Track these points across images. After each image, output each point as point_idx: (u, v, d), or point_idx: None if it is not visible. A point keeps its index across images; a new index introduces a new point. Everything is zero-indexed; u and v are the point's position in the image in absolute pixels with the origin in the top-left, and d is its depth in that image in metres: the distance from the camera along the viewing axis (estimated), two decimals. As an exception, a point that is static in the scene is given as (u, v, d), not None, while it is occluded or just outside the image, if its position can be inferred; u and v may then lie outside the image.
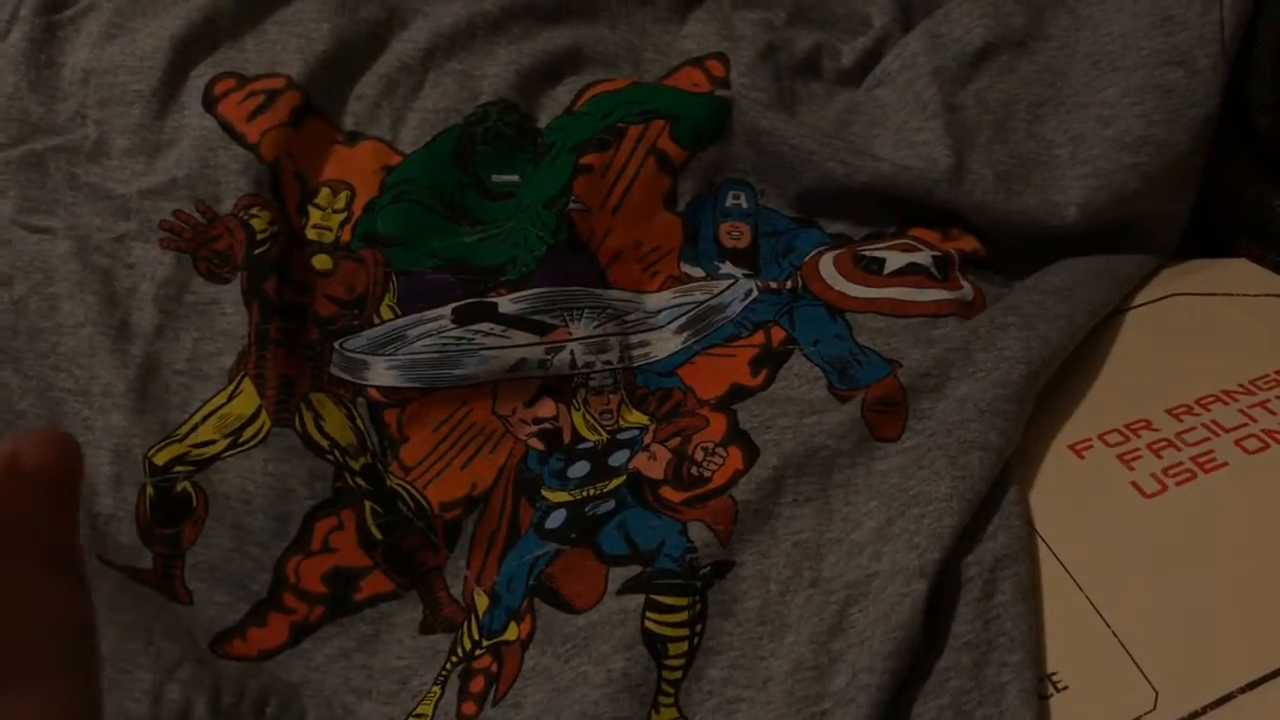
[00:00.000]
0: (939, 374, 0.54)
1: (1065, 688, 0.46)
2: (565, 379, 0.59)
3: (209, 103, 0.63)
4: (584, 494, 0.55)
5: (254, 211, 0.61)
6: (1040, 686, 0.46)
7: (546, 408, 0.59)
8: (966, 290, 0.61)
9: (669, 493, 0.54)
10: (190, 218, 0.61)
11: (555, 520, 0.55)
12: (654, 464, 0.55)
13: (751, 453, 0.54)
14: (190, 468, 0.56)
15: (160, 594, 0.53)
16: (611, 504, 0.54)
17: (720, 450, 0.55)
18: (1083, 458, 0.52)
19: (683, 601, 0.49)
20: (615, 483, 0.55)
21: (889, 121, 0.67)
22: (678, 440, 0.56)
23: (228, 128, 0.63)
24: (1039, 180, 0.65)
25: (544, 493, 0.57)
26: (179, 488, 0.55)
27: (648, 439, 0.57)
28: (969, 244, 0.63)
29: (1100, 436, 0.53)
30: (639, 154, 0.64)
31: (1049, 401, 0.55)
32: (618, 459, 0.56)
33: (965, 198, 0.63)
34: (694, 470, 0.54)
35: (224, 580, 0.55)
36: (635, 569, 0.51)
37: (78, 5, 0.66)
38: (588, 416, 0.59)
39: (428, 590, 0.56)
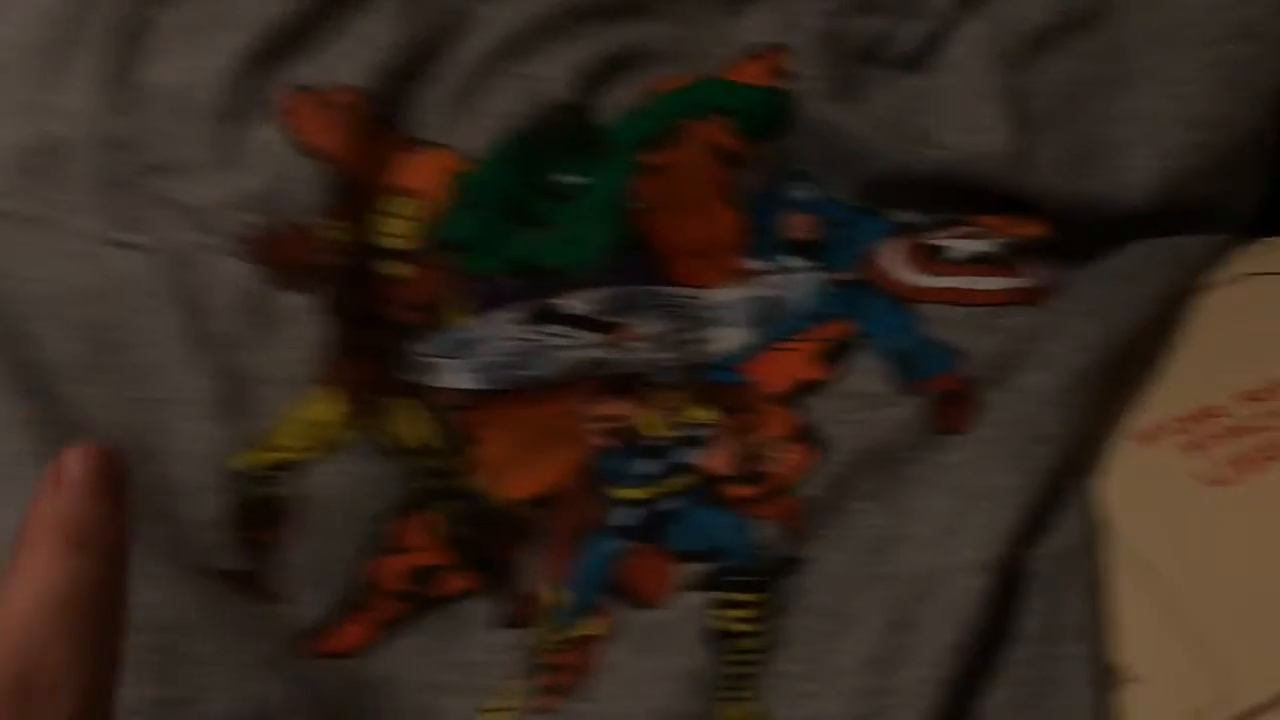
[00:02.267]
0: (1006, 365, 0.54)
1: (1137, 678, 0.46)
2: (633, 377, 0.60)
3: (280, 116, 0.65)
4: (654, 491, 0.57)
5: (327, 222, 0.63)
6: (1110, 677, 0.46)
7: (615, 405, 0.60)
8: (1034, 278, 0.60)
9: (738, 489, 0.55)
10: (267, 229, 0.63)
11: (626, 518, 0.56)
12: (721, 460, 0.56)
13: (819, 447, 0.55)
14: (274, 473, 0.58)
15: (249, 596, 0.56)
16: (681, 501, 0.55)
17: (786, 445, 0.56)
18: (1152, 446, 0.52)
19: (753, 598, 0.50)
20: (684, 480, 0.56)
21: (951, 107, 0.66)
22: (745, 436, 0.57)
23: (299, 141, 0.64)
24: (1107, 163, 0.64)
25: (615, 490, 0.58)
26: (263, 493, 0.58)
27: (715, 435, 0.58)
28: (1036, 229, 0.63)
29: (1170, 423, 0.53)
30: (698, 149, 0.65)
31: (1117, 388, 0.55)
32: (686, 456, 0.57)
33: (1030, 182, 0.62)
34: (762, 466, 0.55)
35: (308, 581, 0.57)
36: (706, 566, 0.52)
37: (153, 24, 0.68)
38: (656, 413, 0.60)
39: (504, 587, 0.58)
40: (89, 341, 0.60)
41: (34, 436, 0.55)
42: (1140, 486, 0.51)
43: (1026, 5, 0.67)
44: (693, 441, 0.58)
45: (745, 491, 0.54)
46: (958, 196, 0.64)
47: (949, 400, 0.54)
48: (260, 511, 0.57)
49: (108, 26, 0.67)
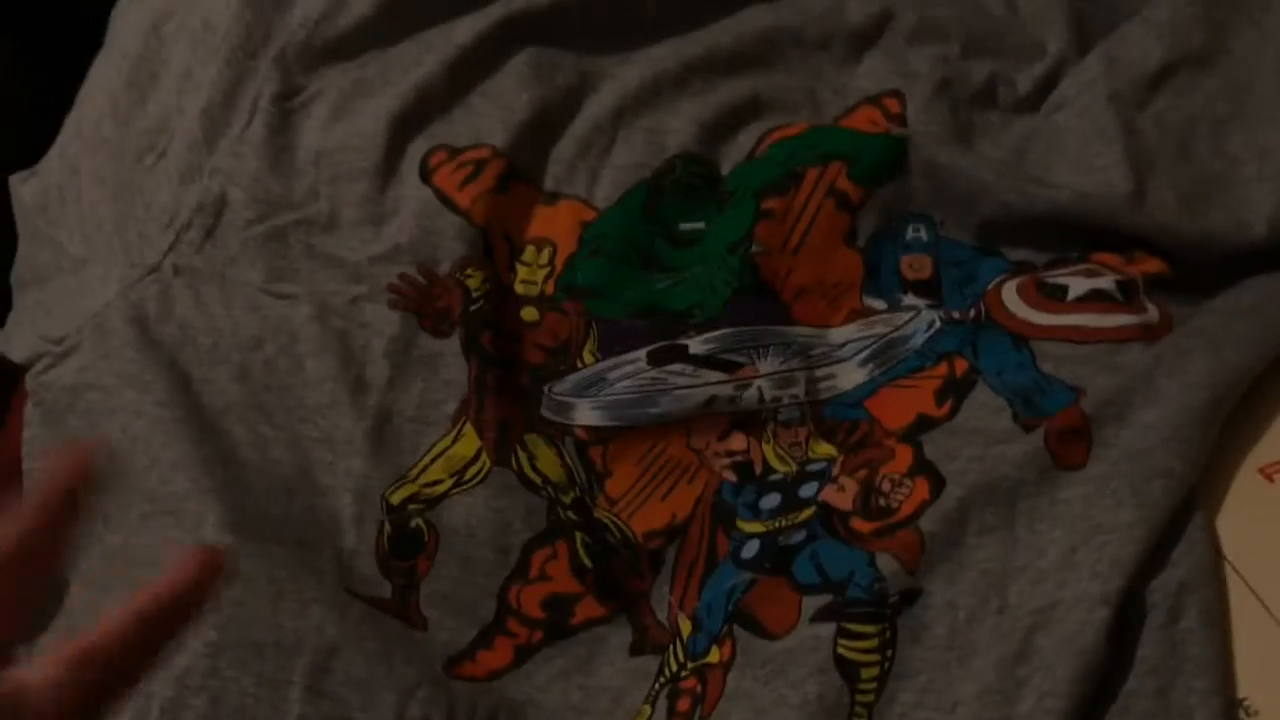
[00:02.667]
0: (1123, 401, 0.55)
1: (1256, 713, 0.47)
2: (755, 413, 0.63)
3: (425, 174, 0.70)
4: (776, 524, 0.59)
5: (469, 272, 0.67)
6: (1230, 711, 0.47)
7: (738, 441, 0.63)
8: (1152, 314, 0.61)
9: (858, 523, 0.57)
10: (414, 279, 0.67)
11: (750, 550, 0.58)
12: (843, 495, 0.58)
13: (938, 483, 0.57)
14: (422, 505, 0.62)
15: (400, 621, 0.59)
16: (803, 534, 0.58)
17: (906, 481, 0.57)
18: (1273, 481, 0.53)
19: (873, 629, 0.52)
20: (806, 514, 0.58)
21: (1067, 148, 0.67)
22: (865, 472, 0.59)
23: (442, 197, 0.69)
24: (1224, 199, 0.64)
25: (739, 523, 0.60)
26: (413, 524, 0.61)
27: (835, 470, 0.60)
28: (1153, 266, 0.64)
29: (1293, 460, 0.53)
30: (818, 195, 0.67)
31: (1237, 423, 0.55)
32: (807, 490, 0.60)
33: (1147, 221, 0.63)
34: (881, 501, 0.57)
35: (454, 607, 0.60)
36: (827, 598, 0.54)
37: (306, 92, 0.73)
38: (778, 449, 0.62)
39: (635, 614, 0.60)
40: (252, 384, 0.65)
41: (201, 474, 0.60)
42: (1260, 521, 0.51)
43: (1140, 45, 0.69)
44: (814, 476, 0.60)
45: (866, 526, 0.56)
46: (1075, 235, 0.65)
47: (1067, 437, 0.55)
48: (410, 542, 0.61)
49: (264, 94, 0.73)
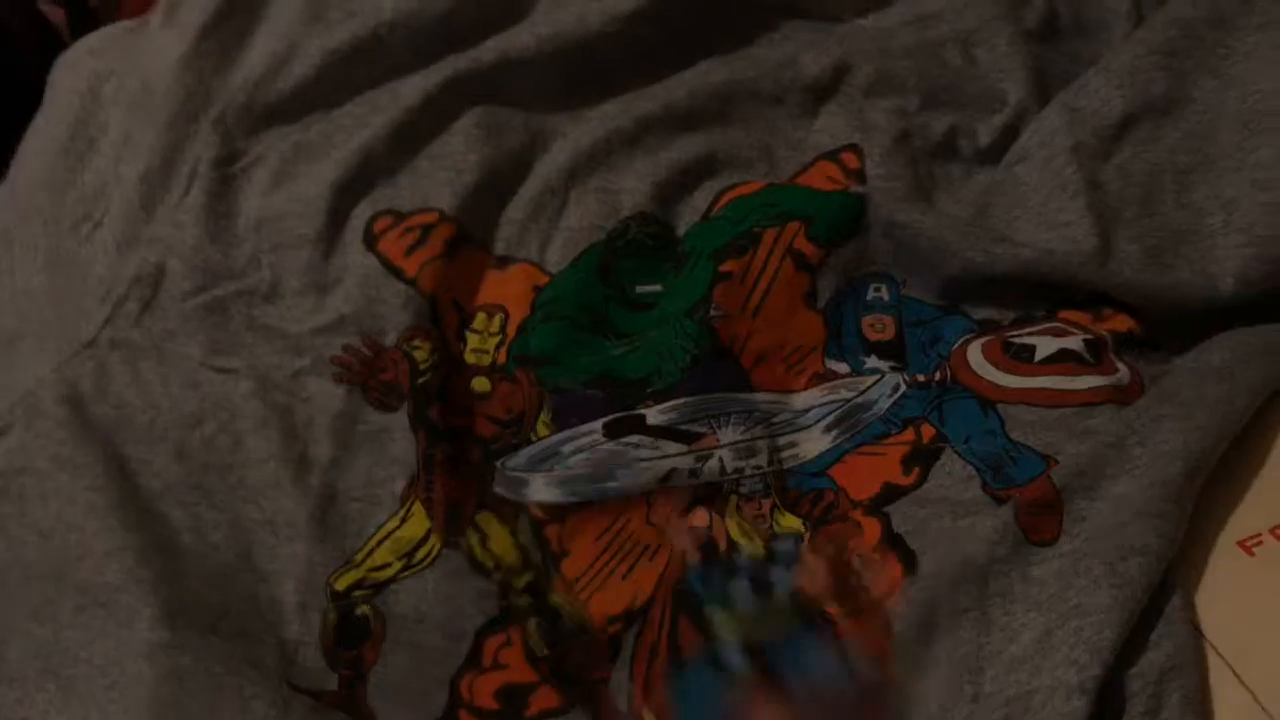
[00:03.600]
0: (1094, 472, 0.53)
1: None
2: (717, 486, 0.60)
3: (369, 240, 0.67)
4: (755, 625, 0.56)
5: (416, 344, 0.64)
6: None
7: (699, 517, 0.60)
8: (1123, 374, 0.59)
9: (832, 609, 0.55)
10: (358, 352, 0.65)
11: (730, 658, 0.56)
12: (814, 579, 0.56)
13: (908, 558, 0.54)
14: (368, 591, 0.59)
15: (347, 716, 0.56)
16: (783, 632, 0.55)
17: (876, 558, 0.55)
18: (1253, 554, 0.51)
19: None
20: (783, 614, 0.56)
21: (1029, 202, 0.66)
22: (833, 549, 0.56)
23: (388, 264, 0.66)
24: (1190, 252, 0.63)
25: (709, 616, 0.57)
26: (358, 611, 0.59)
27: (803, 549, 0.57)
28: (1122, 323, 0.62)
29: (1272, 531, 0.51)
30: (776, 255, 0.65)
31: (1212, 493, 0.53)
32: (778, 578, 0.57)
33: (1113, 277, 0.62)
34: (854, 580, 0.55)
35: (404, 699, 0.57)
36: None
37: (247, 157, 0.71)
38: (741, 523, 0.60)
39: (593, 704, 0.58)
40: (190, 464, 0.62)
41: (136, 563, 0.57)
42: (1241, 598, 0.49)
43: (1101, 97, 0.67)
44: (781, 559, 0.58)
45: (838, 609, 0.54)
46: (1041, 292, 0.64)
47: (1037, 510, 0.53)
48: (356, 630, 0.58)
49: (203, 159, 0.70)
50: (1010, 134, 0.71)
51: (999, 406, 0.59)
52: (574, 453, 0.62)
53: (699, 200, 0.70)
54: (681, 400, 0.62)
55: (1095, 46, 0.74)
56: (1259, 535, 0.51)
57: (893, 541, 0.56)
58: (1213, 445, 0.53)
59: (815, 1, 0.76)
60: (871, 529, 0.57)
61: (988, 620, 0.51)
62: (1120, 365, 0.60)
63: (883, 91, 0.72)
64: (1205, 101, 0.67)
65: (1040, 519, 0.53)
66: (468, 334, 0.67)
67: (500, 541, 0.61)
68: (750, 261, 0.65)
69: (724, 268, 0.65)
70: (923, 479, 0.59)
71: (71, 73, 0.76)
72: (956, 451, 0.59)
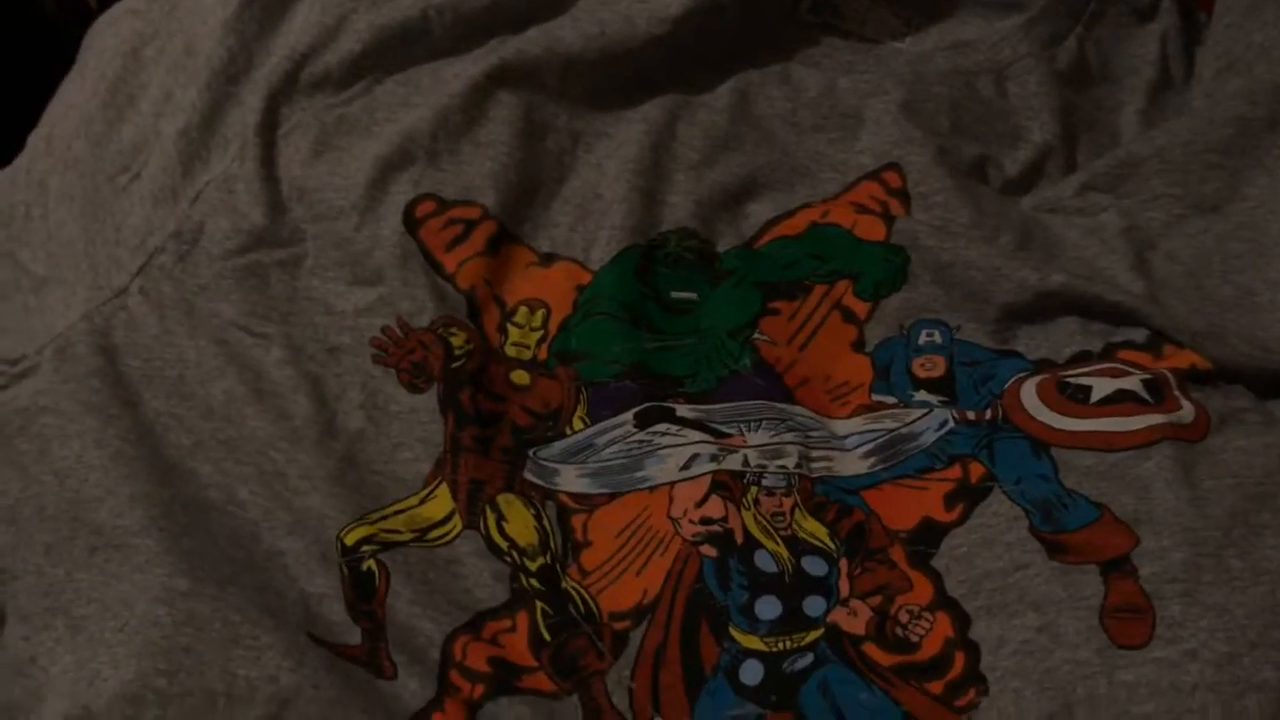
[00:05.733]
0: (1188, 579, 0.51)
1: None
2: (736, 479, 0.59)
3: (410, 225, 0.66)
4: (779, 645, 0.54)
5: (452, 330, 0.63)
6: None
7: (715, 507, 0.58)
8: (1186, 411, 0.58)
9: (873, 651, 0.53)
10: (393, 333, 0.63)
11: (752, 675, 0.53)
12: (855, 620, 0.54)
13: (962, 621, 0.53)
14: (376, 547, 0.57)
15: (367, 669, 0.53)
16: (810, 658, 0.53)
17: (927, 615, 0.53)
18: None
19: None
20: (813, 635, 0.54)
21: (1070, 255, 0.65)
22: (879, 599, 0.55)
23: (428, 255, 0.65)
24: (1239, 325, 0.62)
25: (732, 631, 0.55)
26: (364, 566, 0.56)
27: (844, 588, 0.55)
28: (1187, 359, 0.61)
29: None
30: (824, 307, 0.66)
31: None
32: (813, 607, 0.55)
33: (1169, 320, 0.61)
34: (899, 631, 0.53)
35: (411, 655, 0.54)
36: None
37: (288, 123, 0.70)
38: (759, 517, 0.57)
39: (588, 695, 0.54)
40: (216, 420, 0.60)
41: (161, 514, 0.55)
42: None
43: (1154, 189, 0.67)
44: (818, 588, 0.56)
45: (884, 658, 0.52)
46: (1098, 333, 0.63)
47: (1125, 615, 0.51)
48: (365, 585, 0.56)
49: (249, 124, 0.70)
50: (1034, 170, 0.71)
51: (1052, 450, 0.58)
52: (607, 445, 0.60)
53: (742, 224, 0.69)
54: (715, 406, 0.62)
55: (1120, 93, 0.75)
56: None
57: (945, 602, 0.54)
58: None
59: (855, 23, 0.76)
60: (922, 586, 0.55)
61: None
62: (1185, 402, 0.58)
63: (918, 113, 0.72)
64: (1257, 198, 0.67)
65: (1128, 624, 0.51)
66: (509, 327, 0.65)
67: (520, 523, 0.58)
68: (799, 308, 0.66)
69: (772, 304, 0.65)
70: (966, 515, 0.57)
71: (112, 32, 0.75)
72: (1005, 492, 0.57)
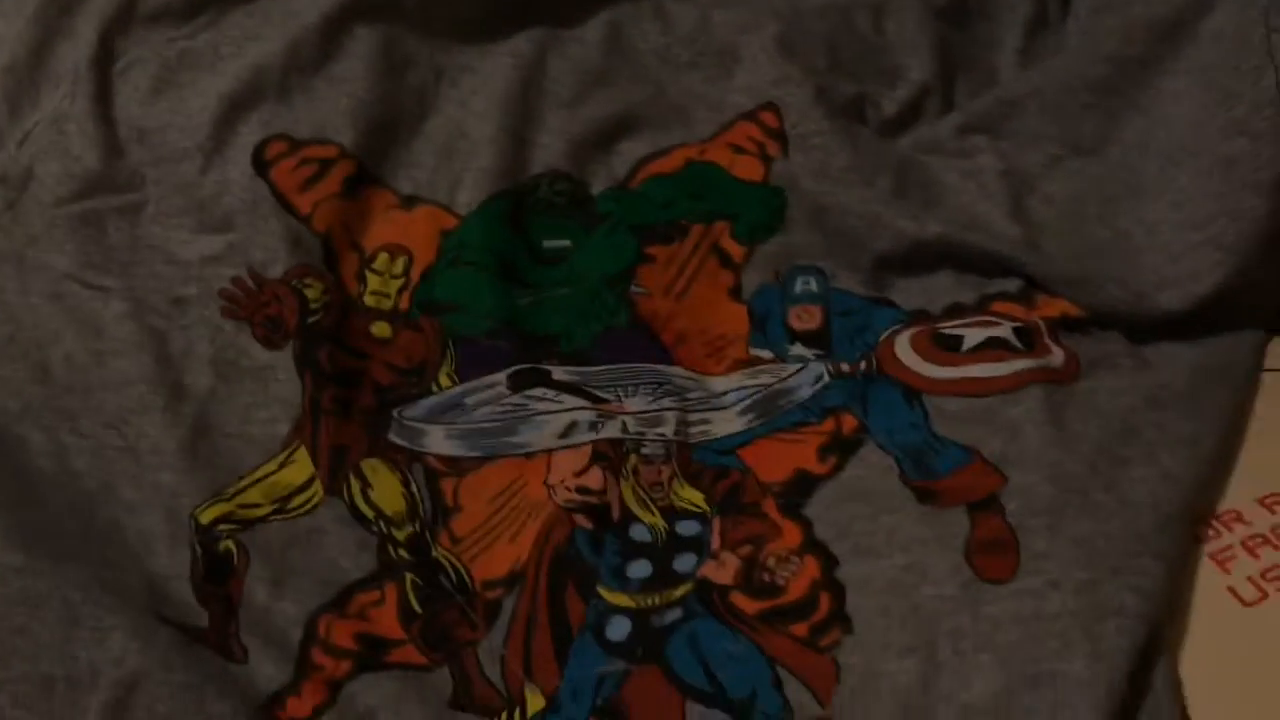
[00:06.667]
0: (1053, 513, 0.51)
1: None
2: (617, 448, 0.57)
3: (260, 166, 0.62)
4: (649, 602, 0.53)
5: (307, 281, 0.60)
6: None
7: (594, 478, 0.57)
8: (1056, 356, 0.58)
9: (740, 600, 0.52)
10: (244, 284, 0.60)
11: (618, 631, 0.52)
12: (723, 570, 0.53)
13: (830, 563, 0.53)
14: (234, 526, 0.54)
15: (217, 653, 0.51)
16: (679, 612, 0.52)
17: (795, 558, 0.53)
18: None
19: None
20: (682, 590, 0.53)
21: (948, 200, 0.65)
22: (749, 549, 0.54)
23: (280, 196, 0.62)
24: (1115, 270, 0.62)
25: (601, 590, 0.54)
26: (221, 546, 0.54)
27: (715, 544, 0.54)
28: (1058, 308, 0.61)
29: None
30: (702, 250, 0.64)
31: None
32: (683, 564, 0.54)
33: (1044, 264, 0.61)
34: (765, 576, 0.53)
35: (268, 637, 0.52)
36: (720, 715, 0.49)
37: (124, 58, 0.65)
38: (638, 488, 0.56)
39: (459, 666, 0.53)
40: (52, 385, 0.57)
41: None
42: (1238, 657, 0.48)
43: (1033, 129, 0.66)
44: (689, 545, 0.55)
45: (750, 605, 0.52)
46: (972, 284, 0.62)
47: (990, 551, 0.51)
48: (219, 565, 0.53)
49: (81, 60, 0.65)
50: (912, 110, 0.70)
51: (925, 399, 0.57)
52: (477, 405, 0.58)
53: (616, 164, 0.67)
54: (590, 367, 0.60)
55: (998, 30, 0.74)
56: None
57: (812, 545, 0.53)
58: (1182, 498, 0.52)
59: None
60: (791, 532, 0.54)
61: (936, 661, 0.48)
62: (1055, 348, 0.58)
63: (794, 50, 0.70)
64: (1134, 139, 0.66)
65: (993, 559, 0.51)
66: (368, 274, 0.62)
67: (386, 490, 0.56)
68: (676, 252, 0.64)
69: (649, 250, 0.63)
70: (839, 467, 0.56)
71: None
72: (877, 443, 0.56)
